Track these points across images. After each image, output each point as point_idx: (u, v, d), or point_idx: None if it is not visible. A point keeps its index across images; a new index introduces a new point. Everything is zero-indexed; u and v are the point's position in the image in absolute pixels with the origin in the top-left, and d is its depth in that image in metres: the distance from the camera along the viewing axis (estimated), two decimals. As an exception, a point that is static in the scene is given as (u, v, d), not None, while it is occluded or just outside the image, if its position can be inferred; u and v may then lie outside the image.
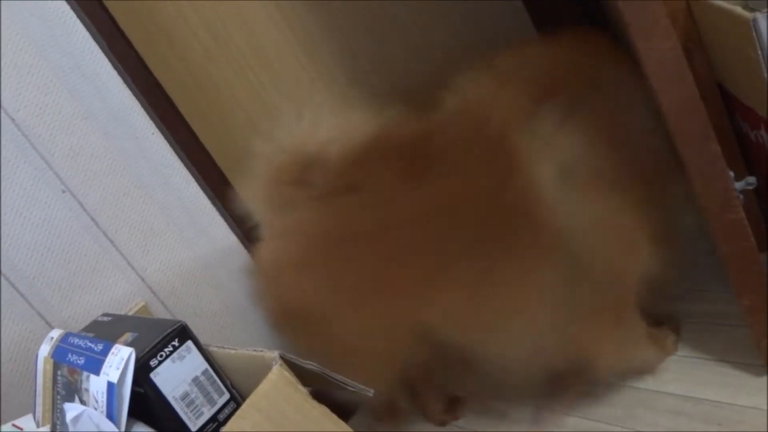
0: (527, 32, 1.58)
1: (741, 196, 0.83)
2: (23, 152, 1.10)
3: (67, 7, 1.13)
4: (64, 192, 1.13)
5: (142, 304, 1.19)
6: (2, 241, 1.07)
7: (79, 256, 1.15)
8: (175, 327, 0.78)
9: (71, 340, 0.88)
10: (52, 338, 0.92)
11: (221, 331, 1.31)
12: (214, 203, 1.27)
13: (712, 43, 0.99)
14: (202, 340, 0.82)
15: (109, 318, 0.96)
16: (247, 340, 1.34)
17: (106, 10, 1.16)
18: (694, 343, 1.12)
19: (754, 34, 0.82)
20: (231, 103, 1.40)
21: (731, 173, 0.82)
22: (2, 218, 1.08)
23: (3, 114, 1.08)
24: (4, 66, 1.08)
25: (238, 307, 1.32)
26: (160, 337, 0.76)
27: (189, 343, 0.78)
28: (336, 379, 0.70)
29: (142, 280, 1.20)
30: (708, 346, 1.10)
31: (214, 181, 1.25)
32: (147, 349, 0.76)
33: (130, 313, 1.17)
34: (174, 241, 1.24)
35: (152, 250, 1.21)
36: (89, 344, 0.83)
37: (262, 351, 0.72)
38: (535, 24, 1.70)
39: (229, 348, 0.80)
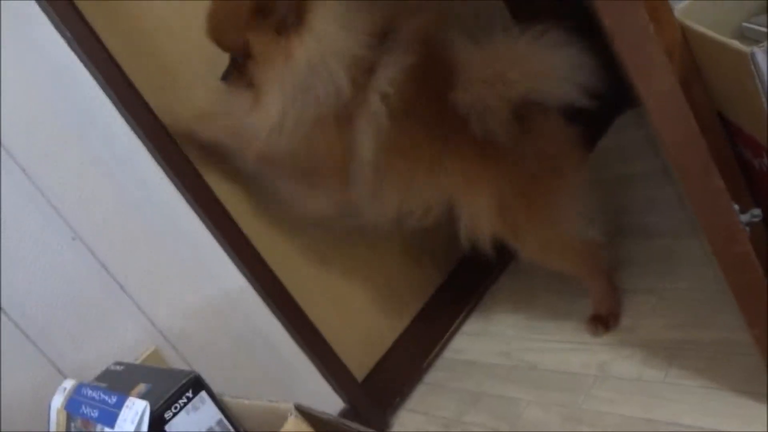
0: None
1: (747, 229, 0.84)
2: (34, 201, 1.11)
3: (75, 59, 1.15)
4: (74, 239, 1.14)
5: (153, 349, 1.19)
6: (13, 290, 1.08)
7: (89, 303, 1.15)
8: (189, 378, 0.78)
9: (84, 391, 0.88)
10: (65, 389, 0.93)
11: (231, 371, 1.31)
12: (222, 246, 1.27)
13: (711, 74, 1.00)
14: (211, 381, 0.82)
15: (122, 367, 0.96)
16: (257, 378, 1.34)
17: (113, 60, 1.18)
18: (708, 373, 1.11)
19: (752, 67, 0.83)
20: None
21: (736, 206, 0.83)
22: (13, 267, 1.08)
23: (13, 164, 1.10)
24: (15, 117, 1.10)
25: (248, 347, 1.32)
26: (174, 389, 0.77)
27: (203, 393, 0.78)
28: (351, 428, 0.70)
29: (153, 324, 1.20)
30: (723, 375, 1.09)
31: (222, 224, 1.26)
32: (161, 402, 0.76)
33: (141, 359, 1.17)
34: (183, 285, 1.24)
35: (162, 295, 1.22)
36: (103, 396, 0.83)
37: (276, 402, 0.72)
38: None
39: (243, 398, 0.80)
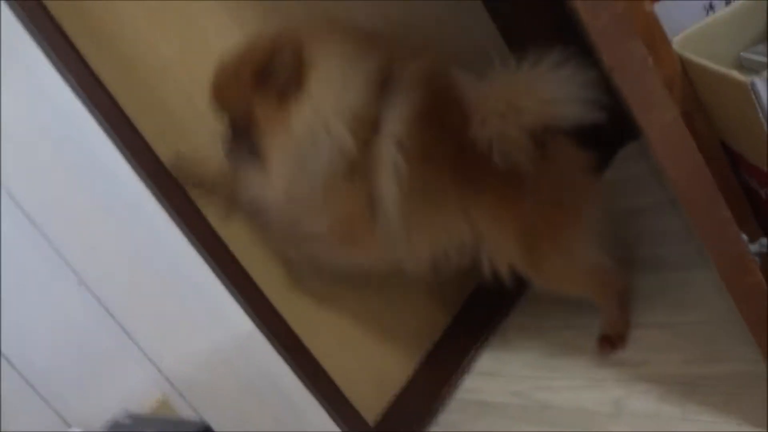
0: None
1: (758, 259, 0.83)
2: (37, 246, 1.11)
3: (78, 104, 1.16)
4: (79, 285, 1.14)
5: (160, 396, 1.17)
6: (16, 336, 1.08)
7: (94, 350, 1.15)
8: (198, 428, 0.77)
9: (90, 442, 0.87)
10: (70, 439, 0.91)
11: (240, 418, 1.29)
12: (229, 290, 1.26)
13: (712, 105, 1.00)
14: (220, 428, 0.80)
15: (130, 419, 0.95)
16: (266, 425, 1.32)
17: (116, 103, 1.19)
18: (727, 408, 1.08)
19: (753, 97, 0.83)
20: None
21: (744, 237, 0.82)
22: (16, 313, 1.08)
23: (17, 209, 1.10)
24: (19, 162, 1.11)
25: (256, 393, 1.31)
26: (181, 439, 0.75)
27: (211, 443, 0.77)
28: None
29: (159, 371, 1.19)
30: (742, 410, 1.06)
31: (229, 268, 1.26)
32: (168, 453, 0.74)
33: (148, 406, 1.16)
34: (190, 330, 1.23)
35: (168, 341, 1.21)
36: (109, 447, 0.82)
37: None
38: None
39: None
